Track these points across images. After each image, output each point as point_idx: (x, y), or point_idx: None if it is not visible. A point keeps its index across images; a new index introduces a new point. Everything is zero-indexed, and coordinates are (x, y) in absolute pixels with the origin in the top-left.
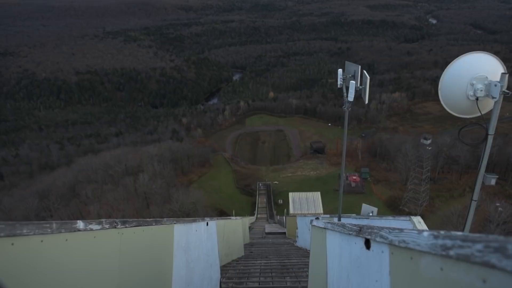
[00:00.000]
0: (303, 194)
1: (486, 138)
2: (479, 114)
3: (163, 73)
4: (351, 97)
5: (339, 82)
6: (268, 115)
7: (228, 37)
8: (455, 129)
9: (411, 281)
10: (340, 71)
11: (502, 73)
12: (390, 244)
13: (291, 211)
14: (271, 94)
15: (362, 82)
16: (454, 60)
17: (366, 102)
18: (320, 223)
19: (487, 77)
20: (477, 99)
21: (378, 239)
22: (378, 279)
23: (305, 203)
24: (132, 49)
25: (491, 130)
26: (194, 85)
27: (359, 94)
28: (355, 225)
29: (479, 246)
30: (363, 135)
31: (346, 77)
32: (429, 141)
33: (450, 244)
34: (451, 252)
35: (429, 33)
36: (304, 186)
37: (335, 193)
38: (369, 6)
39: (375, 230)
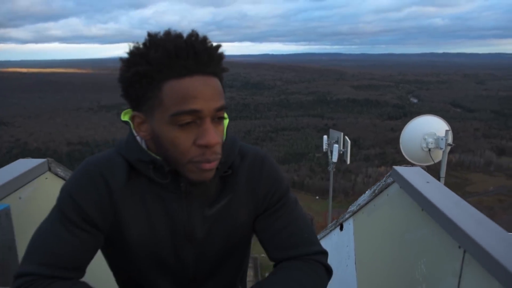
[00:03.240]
0: None
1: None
2: (432, 162)
3: None
4: (335, 158)
5: (325, 146)
6: None
7: None
8: None
9: (362, 228)
10: (325, 137)
11: (446, 130)
12: (353, 214)
13: None
14: None
15: (344, 146)
16: (410, 121)
17: (348, 162)
18: None
19: (435, 133)
20: (429, 150)
21: (346, 215)
22: (348, 244)
23: None
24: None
25: (442, 173)
26: None
27: (345, 168)
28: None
29: (385, 178)
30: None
31: (331, 142)
32: None
33: (376, 186)
34: (376, 190)
35: (411, 111)
36: None
37: None
38: (353, 86)
39: (345, 213)
